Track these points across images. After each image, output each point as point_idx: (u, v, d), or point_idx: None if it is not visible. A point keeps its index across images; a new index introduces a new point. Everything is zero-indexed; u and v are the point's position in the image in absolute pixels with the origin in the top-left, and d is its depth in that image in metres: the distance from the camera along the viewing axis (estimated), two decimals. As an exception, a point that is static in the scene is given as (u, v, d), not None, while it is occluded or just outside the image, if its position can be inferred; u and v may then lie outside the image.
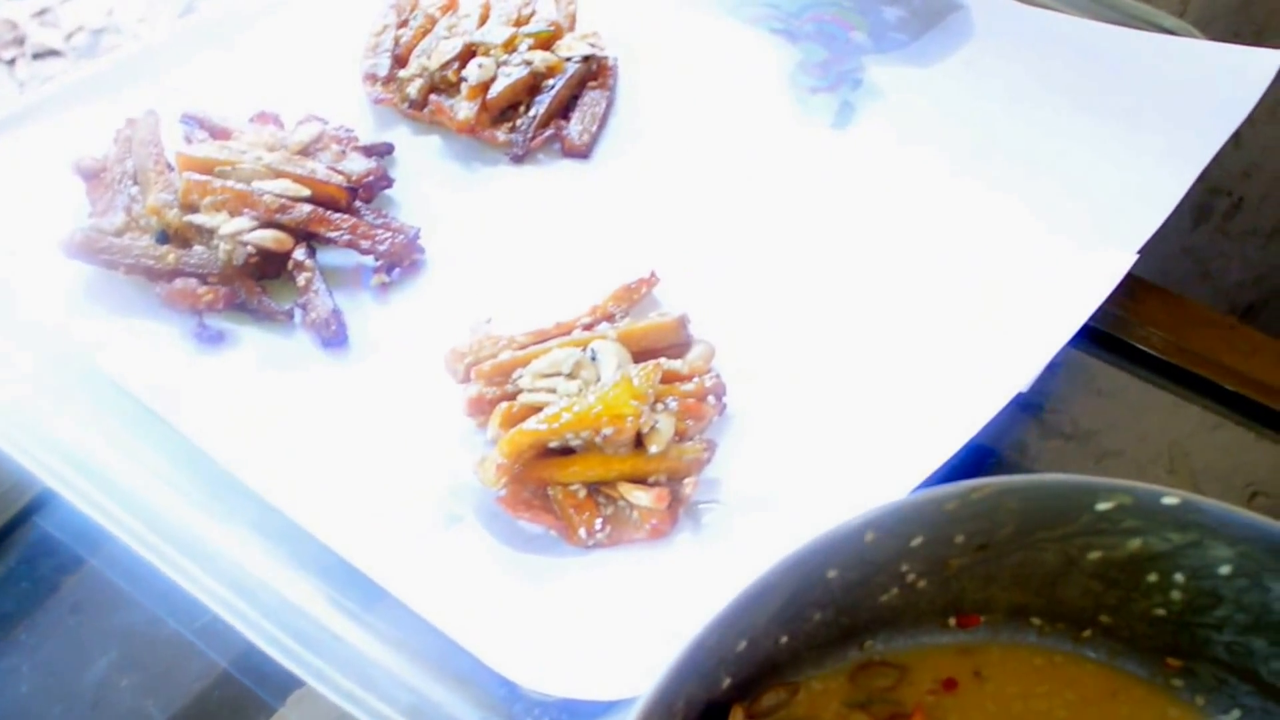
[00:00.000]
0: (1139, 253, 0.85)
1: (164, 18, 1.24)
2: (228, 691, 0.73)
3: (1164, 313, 0.92)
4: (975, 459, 0.74)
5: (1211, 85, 0.96)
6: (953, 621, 0.65)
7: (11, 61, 1.20)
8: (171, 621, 0.74)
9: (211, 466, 0.74)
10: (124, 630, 0.77)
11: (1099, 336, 0.88)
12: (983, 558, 0.62)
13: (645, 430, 0.72)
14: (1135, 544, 0.60)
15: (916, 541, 0.60)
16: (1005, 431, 0.80)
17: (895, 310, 0.83)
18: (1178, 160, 0.90)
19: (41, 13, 1.13)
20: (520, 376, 0.75)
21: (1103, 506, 0.60)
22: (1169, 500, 0.59)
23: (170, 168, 0.86)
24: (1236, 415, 0.87)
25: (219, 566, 0.69)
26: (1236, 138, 1.33)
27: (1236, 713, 0.62)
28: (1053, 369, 0.79)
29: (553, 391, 0.73)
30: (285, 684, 0.71)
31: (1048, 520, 0.61)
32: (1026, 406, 0.82)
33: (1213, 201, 1.44)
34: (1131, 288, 0.87)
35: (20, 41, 1.13)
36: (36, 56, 1.22)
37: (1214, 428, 0.87)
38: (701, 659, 0.55)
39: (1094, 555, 0.61)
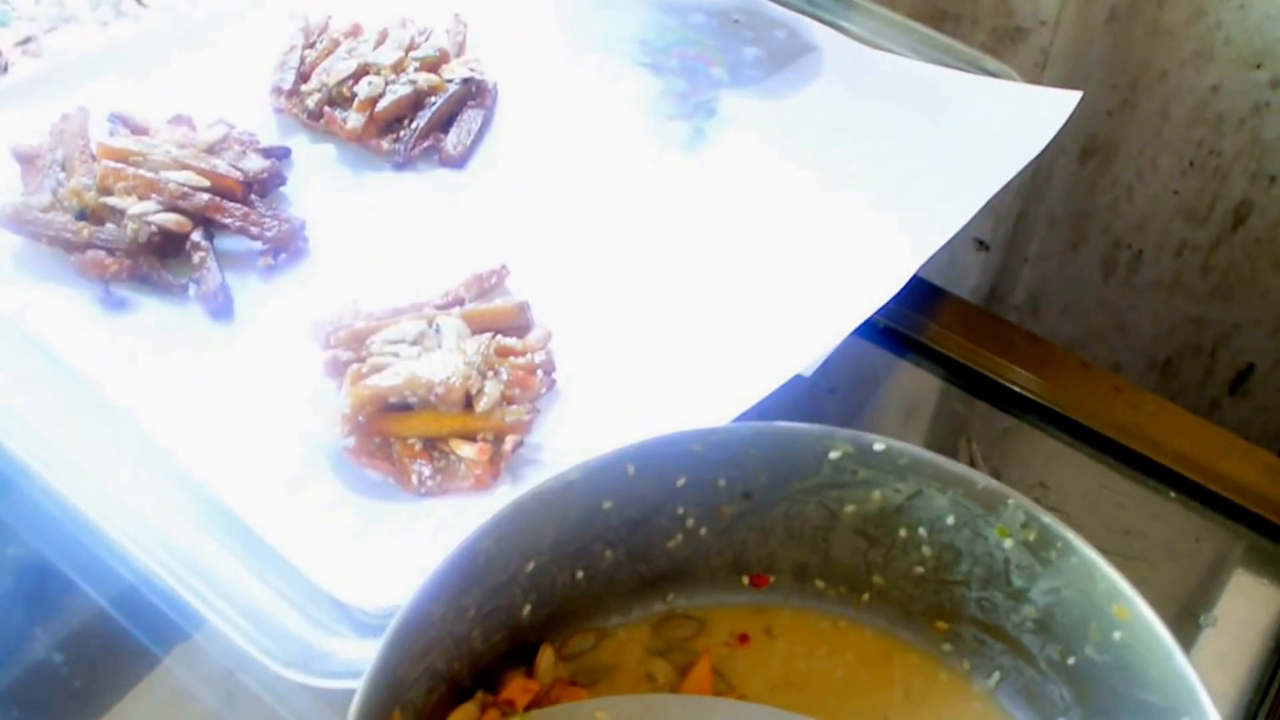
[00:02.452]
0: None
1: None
2: (112, 640, 0.81)
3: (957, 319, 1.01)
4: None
5: (1020, 121, 1.04)
6: (746, 580, 0.72)
7: (-9, 88, 1.25)
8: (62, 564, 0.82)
9: (111, 411, 0.83)
10: (17, 563, 0.84)
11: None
12: (750, 507, 0.70)
13: (474, 392, 0.80)
14: (876, 496, 0.68)
15: (680, 481, 0.68)
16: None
17: (711, 302, 0.92)
18: (977, 184, 0.99)
19: (26, 41, 1.16)
20: (372, 343, 0.83)
21: (834, 455, 0.68)
22: (879, 446, 0.67)
23: (94, 158, 0.94)
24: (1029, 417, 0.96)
25: (115, 502, 0.77)
26: (1128, 190, 1.42)
27: (997, 675, 0.69)
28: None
29: (396, 356, 0.82)
30: (170, 636, 0.79)
31: (793, 469, 0.68)
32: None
33: (1116, 254, 1.48)
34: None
35: (5, 69, 1.15)
36: (17, 85, 1.27)
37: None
38: (481, 565, 0.63)
39: (849, 509, 0.69)
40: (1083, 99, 1.07)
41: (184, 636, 0.79)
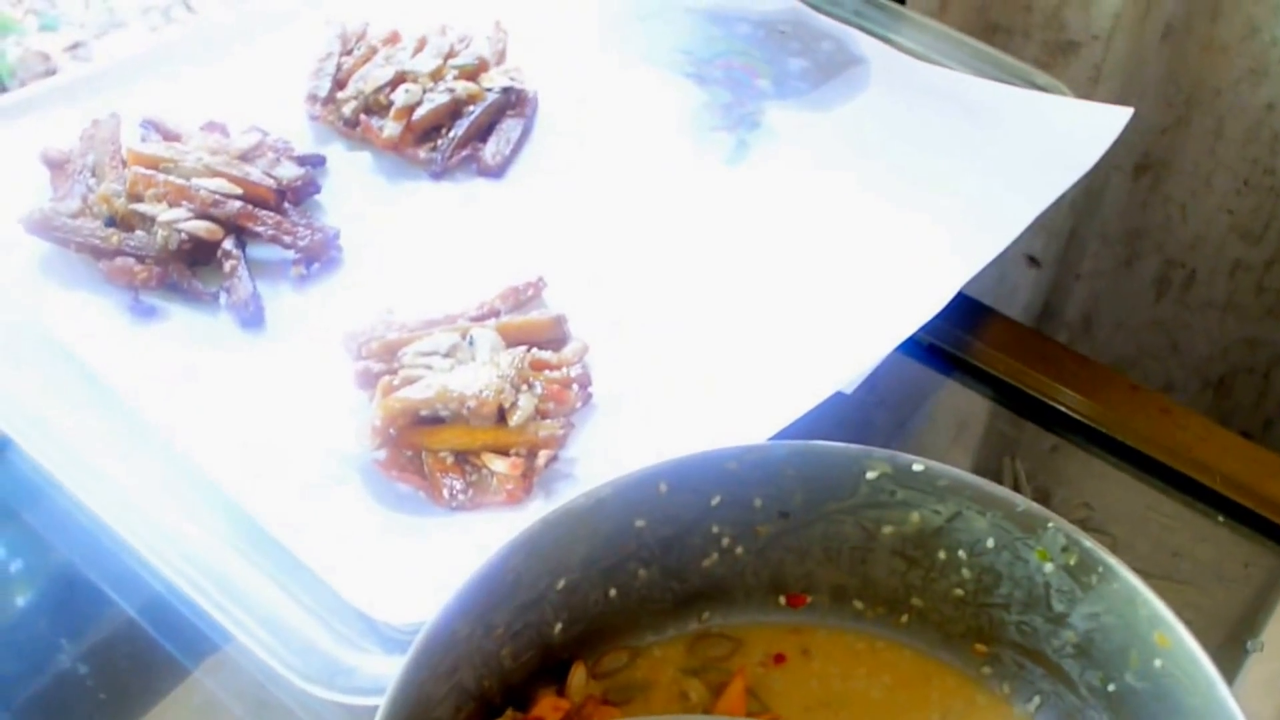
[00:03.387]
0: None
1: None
2: (142, 651, 0.81)
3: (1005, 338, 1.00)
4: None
5: (1070, 136, 1.03)
6: (783, 600, 0.72)
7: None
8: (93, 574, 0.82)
9: (138, 422, 0.82)
10: (46, 573, 0.84)
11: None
12: (787, 526, 0.69)
13: (507, 406, 0.80)
14: (915, 518, 0.67)
15: (716, 500, 0.68)
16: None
17: (752, 317, 0.91)
18: (1026, 201, 0.98)
19: (74, 46, 1.18)
20: (404, 355, 0.83)
21: (871, 475, 0.67)
22: (917, 467, 0.66)
23: (124, 164, 0.93)
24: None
25: (140, 514, 0.77)
26: (1181, 209, 1.41)
27: (1036, 700, 0.68)
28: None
29: (429, 368, 0.81)
30: (199, 648, 0.79)
31: (831, 490, 0.68)
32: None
33: (1169, 273, 1.47)
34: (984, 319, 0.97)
35: (50, 74, 1.17)
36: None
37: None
38: (510, 583, 0.62)
39: (887, 530, 0.68)
40: (1136, 115, 1.06)
41: (214, 649, 0.79)
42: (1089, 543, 0.63)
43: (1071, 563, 0.64)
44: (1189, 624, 0.60)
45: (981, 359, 0.98)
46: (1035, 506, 0.65)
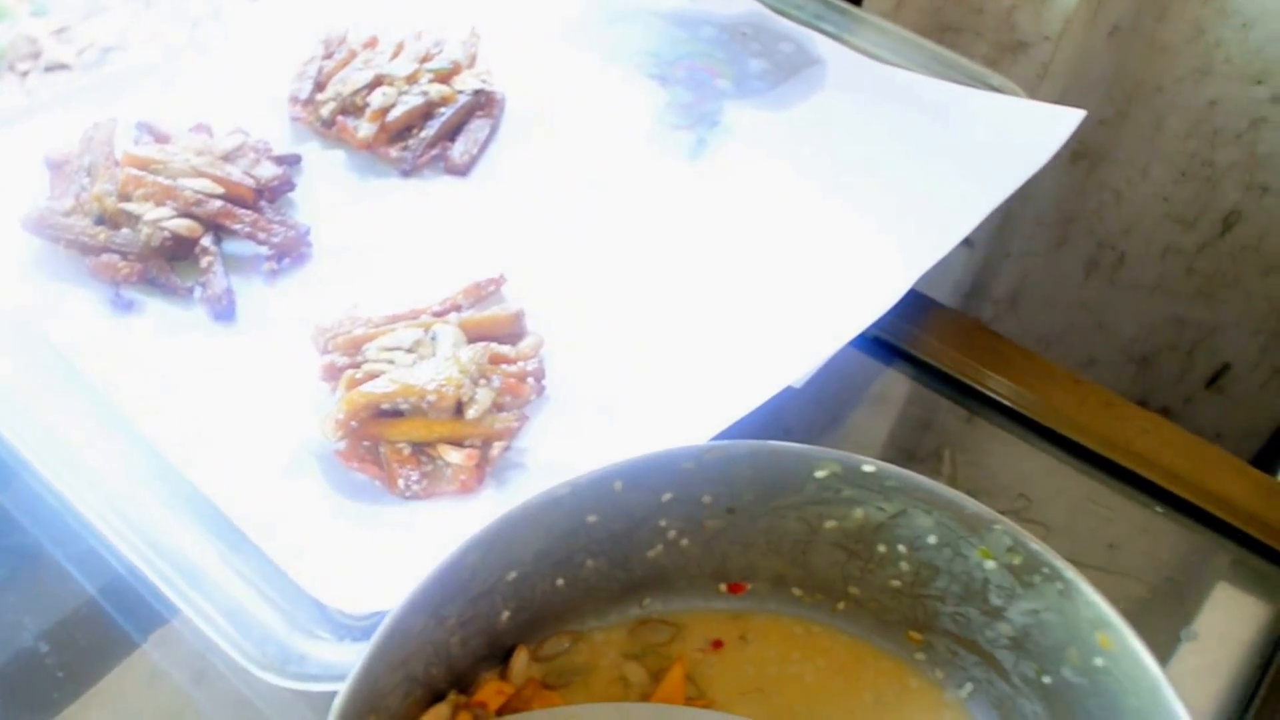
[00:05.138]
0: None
1: (169, 37, 1.30)
2: (94, 622, 0.78)
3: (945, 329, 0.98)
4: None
5: (1021, 136, 1.01)
6: (723, 587, 0.70)
7: (25, 74, 1.25)
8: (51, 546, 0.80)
9: (111, 411, 0.81)
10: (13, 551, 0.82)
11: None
12: (734, 521, 0.67)
13: (466, 400, 0.78)
14: (859, 514, 0.65)
15: (667, 497, 0.66)
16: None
17: (706, 312, 0.89)
18: (976, 200, 0.96)
19: (61, 30, 1.15)
20: (368, 349, 0.81)
21: (820, 474, 0.65)
22: (867, 468, 0.64)
23: (118, 164, 0.92)
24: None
25: (106, 495, 0.75)
26: (1116, 195, 1.39)
27: (969, 686, 0.66)
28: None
29: (391, 363, 0.80)
30: (148, 621, 0.77)
31: (780, 487, 0.66)
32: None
33: (1099, 255, 1.47)
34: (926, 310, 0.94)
35: (36, 55, 1.15)
36: (48, 69, 1.26)
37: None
38: (465, 578, 0.61)
39: (830, 524, 0.66)
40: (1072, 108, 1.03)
41: (162, 621, 0.77)
42: (1036, 545, 0.61)
43: (1015, 562, 0.62)
44: (1125, 614, 0.58)
45: (923, 350, 0.95)
46: (983, 508, 0.63)
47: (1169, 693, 0.56)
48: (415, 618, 0.59)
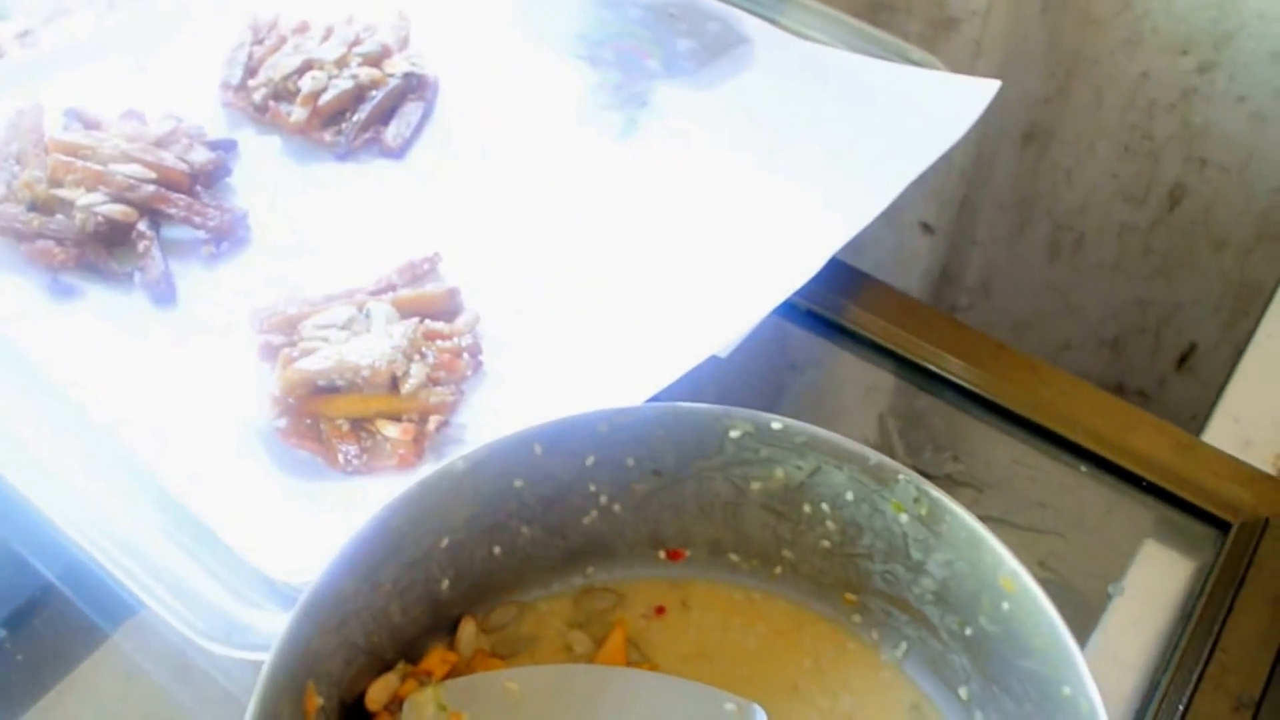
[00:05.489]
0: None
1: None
2: (61, 614, 0.80)
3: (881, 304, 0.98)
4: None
5: (942, 109, 1.02)
6: (662, 554, 0.72)
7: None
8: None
9: (55, 394, 0.82)
10: None
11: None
12: (661, 484, 0.69)
13: (400, 375, 0.79)
14: (780, 473, 0.67)
15: (590, 460, 0.67)
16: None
17: (637, 286, 0.91)
18: (897, 172, 0.97)
19: (24, 34, 1.12)
20: (304, 328, 0.82)
21: (734, 434, 0.67)
22: (776, 425, 0.66)
23: (47, 151, 0.92)
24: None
25: (48, 477, 0.77)
26: (1068, 175, 1.41)
27: (904, 645, 0.68)
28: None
29: (326, 340, 0.81)
30: (116, 612, 0.78)
31: (699, 447, 0.68)
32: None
33: (1060, 237, 1.48)
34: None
35: None
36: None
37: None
38: (394, 542, 0.62)
39: (755, 485, 0.68)
40: (1014, 87, 1.06)
41: (132, 612, 0.77)
42: (936, 492, 0.63)
43: (923, 513, 0.64)
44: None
45: (859, 324, 0.96)
46: (886, 460, 0.65)
47: (1062, 631, 0.58)
48: (344, 580, 0.60)
